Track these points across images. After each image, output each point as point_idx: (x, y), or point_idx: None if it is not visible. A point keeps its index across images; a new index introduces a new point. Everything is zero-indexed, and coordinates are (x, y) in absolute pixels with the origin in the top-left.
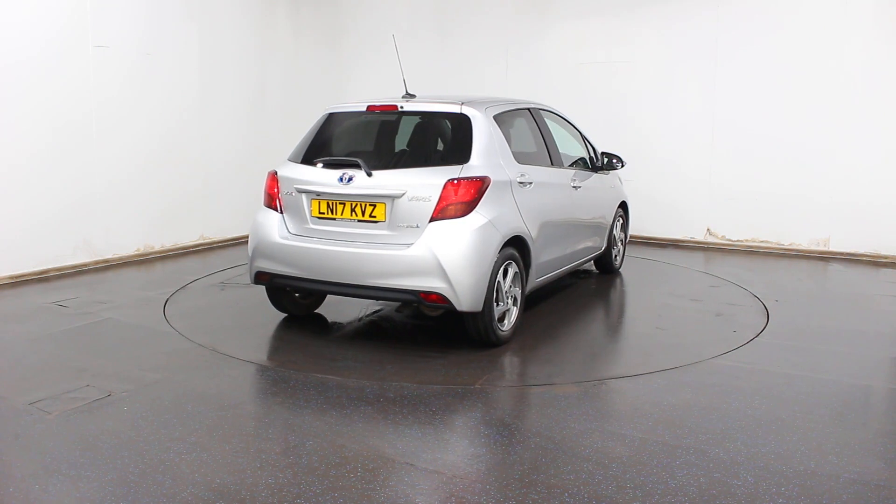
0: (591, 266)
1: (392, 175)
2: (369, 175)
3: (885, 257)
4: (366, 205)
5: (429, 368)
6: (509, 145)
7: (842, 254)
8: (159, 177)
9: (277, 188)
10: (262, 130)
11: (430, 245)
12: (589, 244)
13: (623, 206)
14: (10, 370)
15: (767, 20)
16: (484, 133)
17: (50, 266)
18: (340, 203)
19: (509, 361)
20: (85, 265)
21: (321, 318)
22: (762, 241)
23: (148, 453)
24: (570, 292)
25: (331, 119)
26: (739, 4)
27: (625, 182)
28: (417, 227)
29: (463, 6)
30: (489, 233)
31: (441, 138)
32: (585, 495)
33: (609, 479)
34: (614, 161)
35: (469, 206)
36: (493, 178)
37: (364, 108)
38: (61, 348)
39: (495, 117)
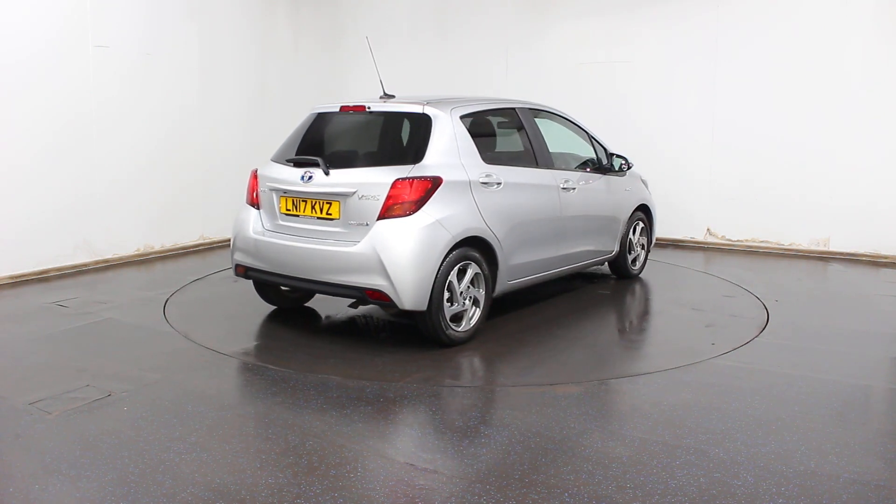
0: (607, 269)
1: (346, 174)
2: (326, 174)
3: (885, 257)
4: (323, 202)
5: (366, 363)
6: (478, 146)
7: (842, 254)
8: (159, 176)
9: (257, 186)
10: (262, 130)
11: (374, 243)
12: (591, 248)
13: (644, 209)
14: (10, 370)
15: (767, 20)
16: (444, 133)
17: (50, 266)
18: (302, 201)
19: (446, 360)
20: (85, 265)
21: (312, 311)
22: (762, 241)
23: (148, 453)
24: (571, 296)
25: (313, 119)
26: (740, 4)
27: None
28: (367, 225)
29: (463, 6)
30: (436, 232)
31: (401, 138)
32: (585, 495)
33: (609, 479)
34: (622, 163)
35: (416, 206)
36: (445, 178)
37: (338, 109)
38: (61, 348)
39: (463, 117)
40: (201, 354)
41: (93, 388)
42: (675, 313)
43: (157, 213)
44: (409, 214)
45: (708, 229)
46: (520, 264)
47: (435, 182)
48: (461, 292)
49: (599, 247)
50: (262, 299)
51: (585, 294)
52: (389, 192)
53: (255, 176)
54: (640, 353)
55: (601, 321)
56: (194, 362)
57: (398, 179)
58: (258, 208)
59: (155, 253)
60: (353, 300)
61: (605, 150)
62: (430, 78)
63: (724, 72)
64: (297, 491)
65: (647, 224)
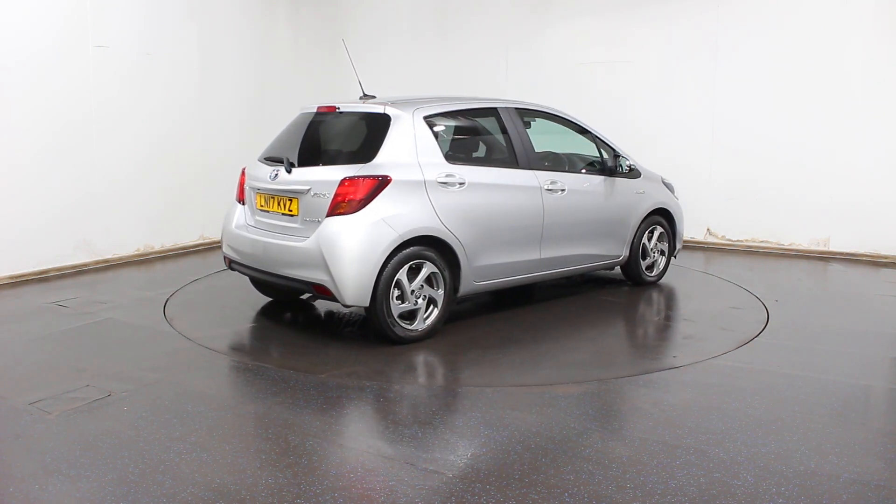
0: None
1: (305, 172)
2: (288, 172)
3: (885, 257)
4: (285, 199)
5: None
6: (443, 146)
7: (842, 254)
8: (159, 176)
9: (244, 183)
10: (262, 130)
11: (319, 239)
12: (590, 251)
13: (664, 213)
14: (10, 370)
15: (767, 20)
16: (402, 133)
17: (50, 266)
18: (271, 197)
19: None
20: (85, 265)
21: (311, 305)
22: (762, 241)
23: (148, 453)
24: (567, 301)
25: (297, 119)
26: (740, 4)
27: None
28: (318, 221)
29: (463, 6)
30: (380, 230)
31: (361, 138)
32: (585, 495)
33: (609, 479)
34: (629, 164)
35: (361, 204)
36: (395, 177)
37: (315, 110)
38: (61, 348)
39: (428, 118)
40: (201, 354)
41: (93, 388)
42: (668, 325)
43: (157, 213)
44: (355, 212)
45: (708, 229)
46: (490, 265)
47: (382, 181)
48: (413, 291)
49: (602, 251)
50: (259, 292)
51: (585, 299)
52: (337, 189)
53: (243, 173)
54: (600, 369)
55: (574, 328)
56: (194, 362)
57: (345, 178)
58: (244, 204)
59: (155, 253)
60: (310, 294)
61: (613, 151)
62: (431, 78)
63: (724, 72)
64: (297, 491)
65: (669, 229)
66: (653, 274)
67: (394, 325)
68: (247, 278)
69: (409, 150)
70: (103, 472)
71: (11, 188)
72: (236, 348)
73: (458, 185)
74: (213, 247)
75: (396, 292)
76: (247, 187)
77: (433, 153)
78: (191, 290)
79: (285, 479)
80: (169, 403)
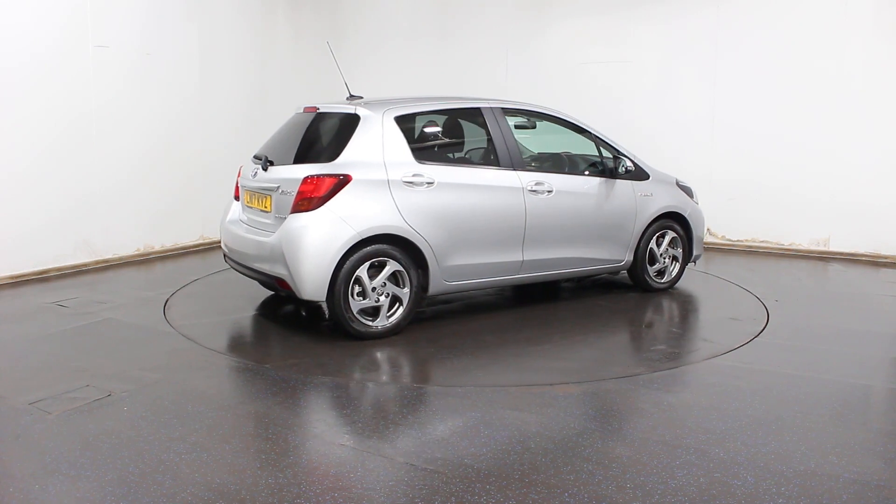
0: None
1: (277, 170)
2: (265, 170)
3: (885, 257)
4: (262, 196)
5: (297, 353)
6: (413, 146)
7: (842, 254)
8: (159, 176)
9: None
10: (262, 131)
11: (280, 235)
12: (585, 255)
13: (677, 217)
14: (10, 370)
15: (768, 20)
16: (369, 133)
17: (50, 266)
18: (253, 194)
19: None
20: (85, 265)
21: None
22: (762, 241)
23: (148, 453)
24: (559, 304)
25: (290, 119)
26: (740, 3)
27: None
28: (285, 218)
29: (463, 6)
30: (337, 228)
31: (330, 137)
32: (585, 495)
33: (609, 479)
34: (627, 166)
35: (320, 202)
36: (356, 176)
37: (302, 110)
38: (61, 348)
39: (399, 118)
40: (201, 354)
41: (93, 388)
42: (634, 334)
43: (157, 213)
44: (314, 209)
45: (708, 229)
46: (463, 266)
47: (342, 179)
48: (374, 288)
49: (600, 255)
50: (263, 287)
51: (580, 304)
52: (299, 187)
53: (239, 172)
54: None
55: (548, 332)
56: (194, 362)
57: (307, 176)
58: (239, 201)
59: (155, 253)
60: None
61: (616, 151)
62: (431, 78)
63: (723, 71)
64: (297, 491)
65: (683, 234)
66: (663, 280)
67: (352, 321)
68: (244, 278)
69: (374, 149)
70: (103, 472)
71: (12, 188)
72: (237, 348)
73: (425, 185)
74: (213, 247)
75: (357, 289)
76: (240, 184)
77: (401, 153)
78: (191, 289)
79: (285, 479)
80: (169, 403)
